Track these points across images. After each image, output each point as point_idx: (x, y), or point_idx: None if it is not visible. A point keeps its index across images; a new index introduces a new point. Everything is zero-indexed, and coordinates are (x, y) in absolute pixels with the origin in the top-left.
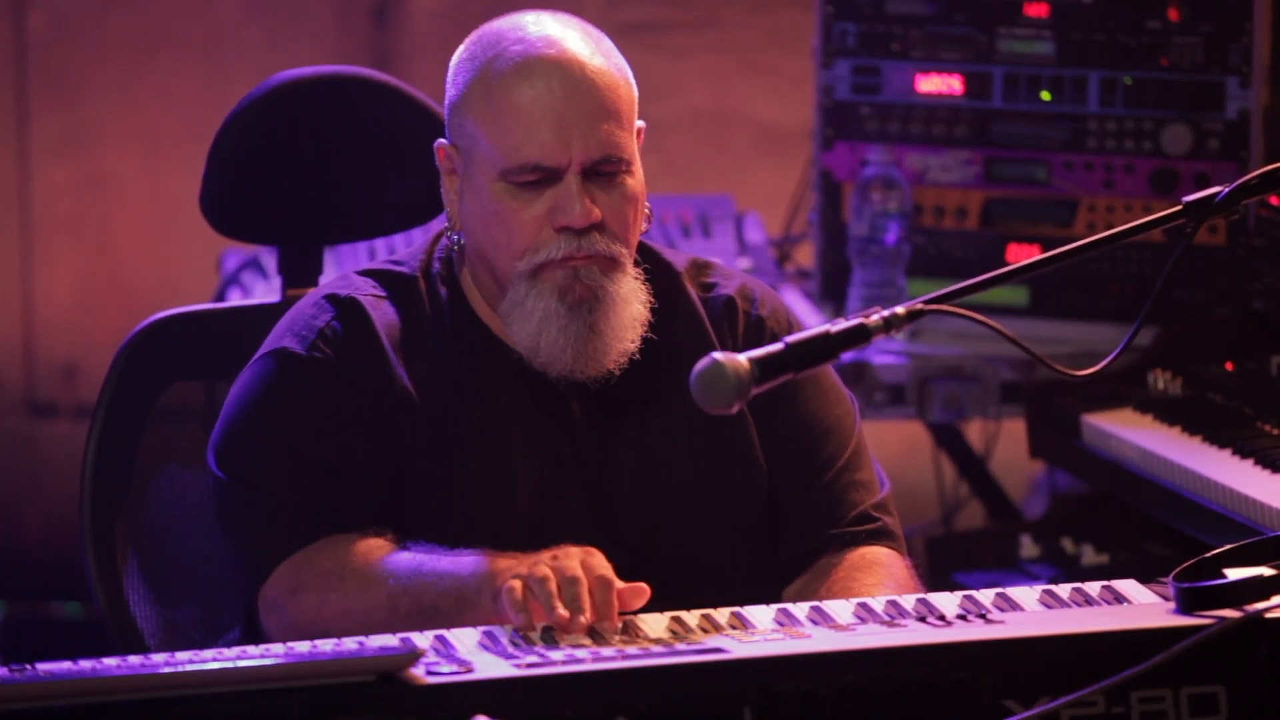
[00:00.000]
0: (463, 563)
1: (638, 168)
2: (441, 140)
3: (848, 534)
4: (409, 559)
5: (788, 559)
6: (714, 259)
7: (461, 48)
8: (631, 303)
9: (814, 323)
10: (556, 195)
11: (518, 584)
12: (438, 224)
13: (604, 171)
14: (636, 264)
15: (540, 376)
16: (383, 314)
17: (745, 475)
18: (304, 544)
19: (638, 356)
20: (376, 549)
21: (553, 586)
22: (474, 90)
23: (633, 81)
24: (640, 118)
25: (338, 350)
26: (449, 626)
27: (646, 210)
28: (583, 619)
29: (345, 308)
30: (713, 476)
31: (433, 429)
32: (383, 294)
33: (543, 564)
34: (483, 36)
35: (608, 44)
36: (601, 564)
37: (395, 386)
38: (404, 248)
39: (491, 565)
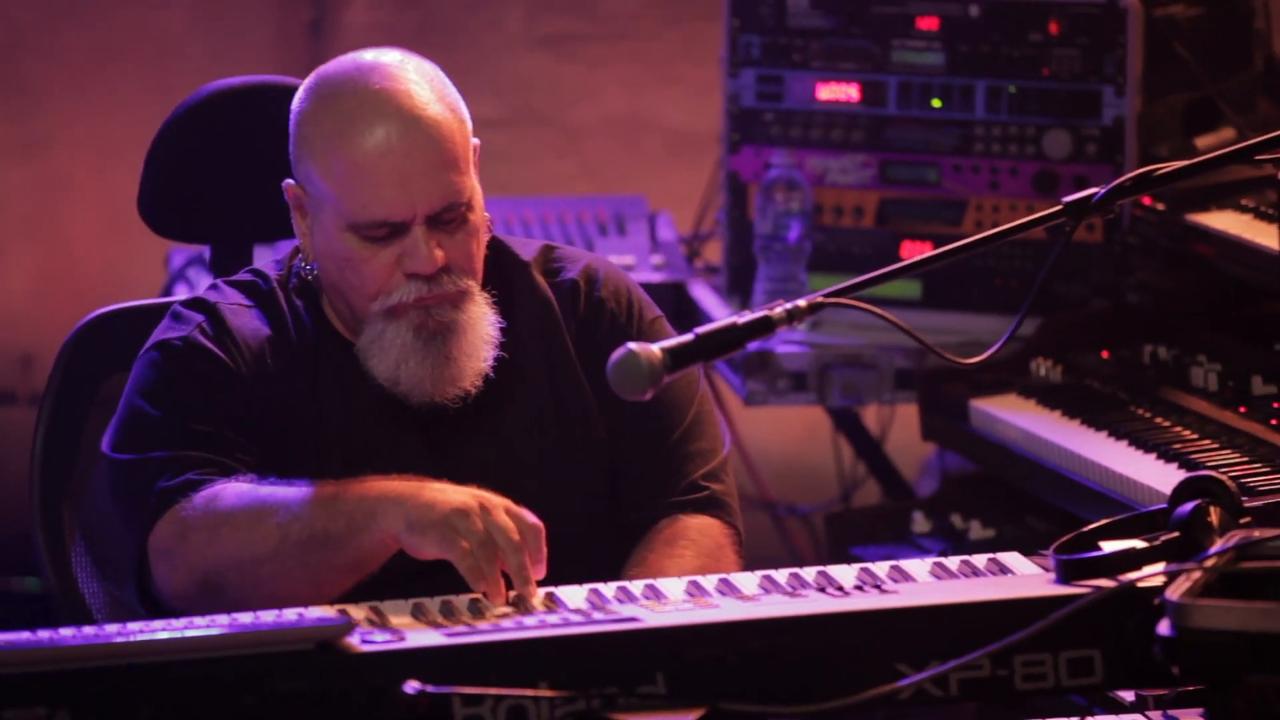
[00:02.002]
0: (352, 488)
1: (477, 199)
2: (289, 181)
3: (676, 503)
4: (296, 490)
5: (628, 527)
6: (566, 247)
7: (302, 95)
8: (481, 325)
9: (712, 306)
10: (405, 245)
11: (471, 560)
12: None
13: (447, 218)
14: (486, 262)
15: None
16: (248, 321)
17: (588, 452)
18: (188, 492)
19: (491, 374)
20: (261, 486)
21: (498, 572)
22: (317, 145)
23: (465, 116)
24: (558, 123)
25: (211, 341)
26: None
27: (487, 220)
28: (530, 589)
29: (213, 311)
30: (560, 457)
31: (296, 429)
32: (249, 303)
33: (487, 525)
34: (320, 88)
35: (440, 82)
36: (531, 515)
37: (262, 384)
38: None
39: (390, 491)
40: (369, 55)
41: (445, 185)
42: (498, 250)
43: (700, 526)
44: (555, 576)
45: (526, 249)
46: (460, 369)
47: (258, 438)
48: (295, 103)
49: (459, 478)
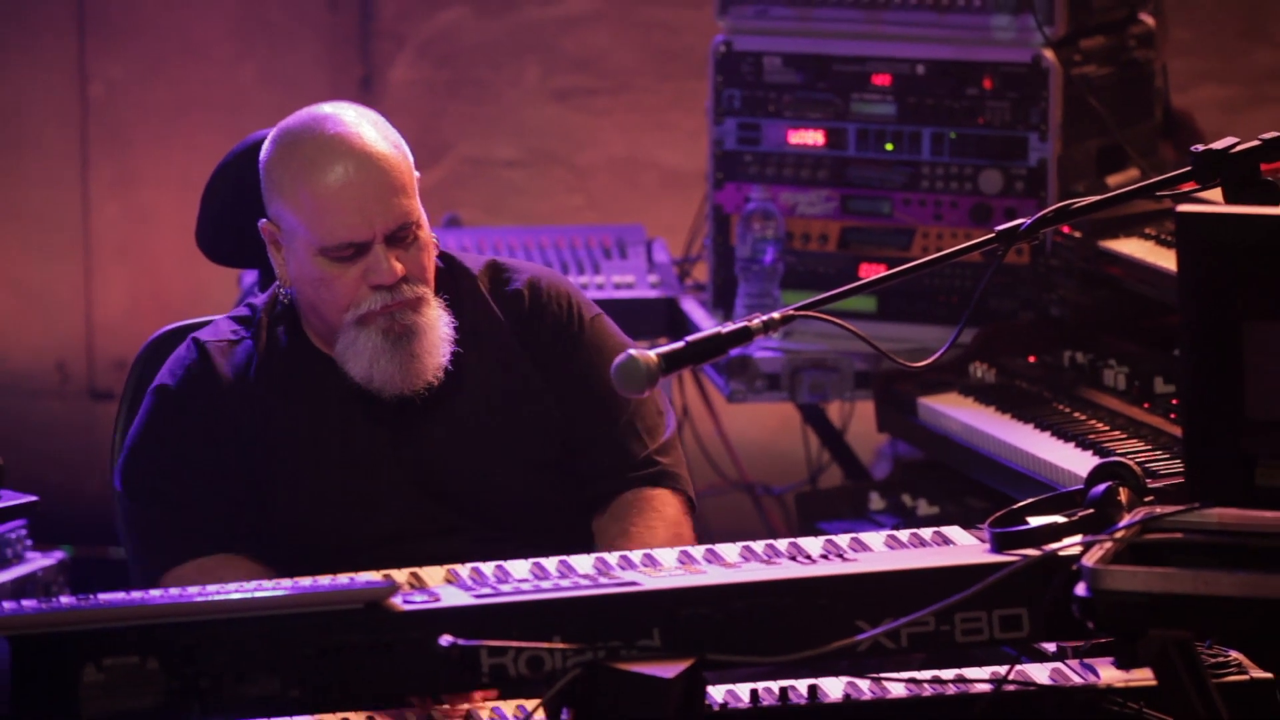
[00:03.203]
0: None
1: (424, 218)
2: (264, 220)
3: (635, 478)
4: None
5: (591, 498)
6: (513, 261)
7: (268, 147)
8: (439, 326)
9: (700, 318)
10: (368, 262)
11: None
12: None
13: (401, 235)
14: (439, 274)
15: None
16: (229, 358)
17: (535, 429)
18: (182, 558)
19: (450, 366)
20: (249, 574)
21: None
22: (285, 185)
23: (408, 152)
24: (569, 163)
25: (202, 383)
26: None
27: (434, 240)
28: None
29: (203, 351)
30: (505, 435)
31: (284, 436)
32: (239, 334)
33: None
34: (284, 138)
35: (385, 126)
36: None
37: (244, 408)
38: None
39: None
40: (326, 108)
41: (397, 208)
42: (450, 264)
43: (661, 497)
44: (505, 534)
45: (475, 263)
46: (424, 364)
47: (241, 461)
48: (263, 153)
49: (419, 458)
